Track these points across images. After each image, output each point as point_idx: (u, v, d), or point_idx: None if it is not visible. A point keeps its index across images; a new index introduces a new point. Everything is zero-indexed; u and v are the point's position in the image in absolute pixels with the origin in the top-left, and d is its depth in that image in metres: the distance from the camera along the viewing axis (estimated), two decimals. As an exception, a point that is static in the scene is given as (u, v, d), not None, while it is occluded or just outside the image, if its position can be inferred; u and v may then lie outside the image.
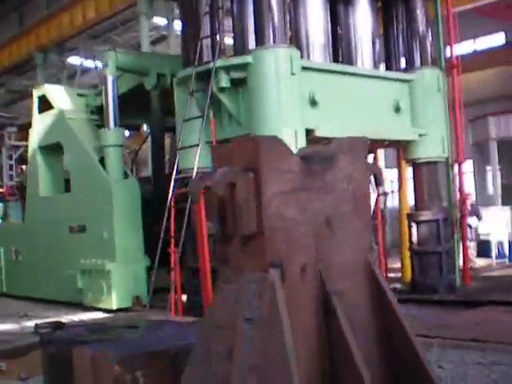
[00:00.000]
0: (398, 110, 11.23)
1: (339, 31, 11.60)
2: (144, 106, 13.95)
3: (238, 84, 9.94)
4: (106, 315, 11.93)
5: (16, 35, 31.39)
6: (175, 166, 10.27)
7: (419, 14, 11.78)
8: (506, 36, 25.43)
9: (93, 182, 12.89)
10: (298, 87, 9.65)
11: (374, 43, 11.50)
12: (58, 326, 7.51)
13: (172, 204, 10.49)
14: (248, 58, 9.73)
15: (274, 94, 9.51)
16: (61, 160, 15.02)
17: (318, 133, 9.77)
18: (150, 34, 26.43)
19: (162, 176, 13.62)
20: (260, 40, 9.81)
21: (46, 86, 15.06)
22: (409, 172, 12.94)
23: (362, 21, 11.41)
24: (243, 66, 9.78)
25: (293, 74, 9.55)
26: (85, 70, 33.52)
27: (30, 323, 11.61)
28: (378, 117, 10.97)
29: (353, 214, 4.15)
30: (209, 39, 10.43)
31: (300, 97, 9.67)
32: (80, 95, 14.51)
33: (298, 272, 3.87)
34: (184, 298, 11.26)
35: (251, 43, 10.36)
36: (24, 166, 28.50)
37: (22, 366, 7.52)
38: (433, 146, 11.54)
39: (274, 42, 9.69)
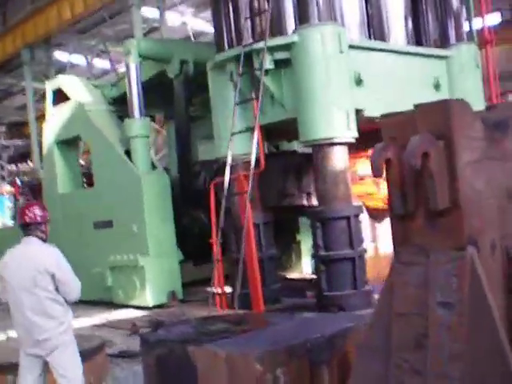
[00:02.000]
0: (438, 87, 10.91)
1: (370, 10, 11.21)
2: (164, 95, 13.47)
3: (280, 65, 9.54)
4: (144, 313, 11.51)
5: (0, 33, 30.63)
6: (229, 153, 9.74)
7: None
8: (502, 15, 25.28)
9: (119, 175, 12.43)
10: (346, 66, 9.30)
11: (406, 20, 11.14)
12: (158, 324, 7.08)
13: (212, 193, 10.08)
14: (294, 37, 9.33)
15: (323, 73, 9.12)
16: (77, 154, 14.56)
17: (367, 113, 9.44)
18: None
19: (189, 166, 13.16)
20: (303, 18, 9.38)
21: (60, 77, 14.56)
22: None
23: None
24: (288, 46, 9.39)
25: (341, 52, 9.19)
26: (72, 66, 32.84)
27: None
28: (420, 95, 10.55)
29: (526, 184, 3.84)
30: (248, 20, 10.03)
31: (348, 76, 9.31)
32: (95, 86, 14.04)
33: (488, 248, 3.54)
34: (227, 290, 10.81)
35: (289, 24, 9.90)
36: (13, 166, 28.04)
37: (89, 371, 7.06)
38: (473, 124, 11.19)
39: (319, 20, 9.30)
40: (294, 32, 9.52)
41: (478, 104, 11.21)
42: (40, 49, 29.21)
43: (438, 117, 3.40)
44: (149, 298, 11.83)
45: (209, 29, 28.32)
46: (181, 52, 12.56)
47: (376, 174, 3.47)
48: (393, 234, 3.73)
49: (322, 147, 9.14)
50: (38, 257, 5.20)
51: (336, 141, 9.09)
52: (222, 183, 10.04)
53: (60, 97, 13.83)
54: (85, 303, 12.97)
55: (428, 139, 3.34)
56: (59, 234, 14.00)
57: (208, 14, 28.68)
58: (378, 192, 10.51)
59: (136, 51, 12.27)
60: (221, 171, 12.94)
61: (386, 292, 3.75)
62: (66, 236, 13.84)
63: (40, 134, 29.02)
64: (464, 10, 11.55)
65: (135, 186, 12.06)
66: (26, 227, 5.32)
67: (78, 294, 5.36)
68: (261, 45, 9.44)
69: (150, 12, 26.92)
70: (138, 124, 12.28)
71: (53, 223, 14.22)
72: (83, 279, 12.88)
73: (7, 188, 17.98)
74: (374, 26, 11.08)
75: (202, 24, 29.00)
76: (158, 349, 4.74)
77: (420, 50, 11.07)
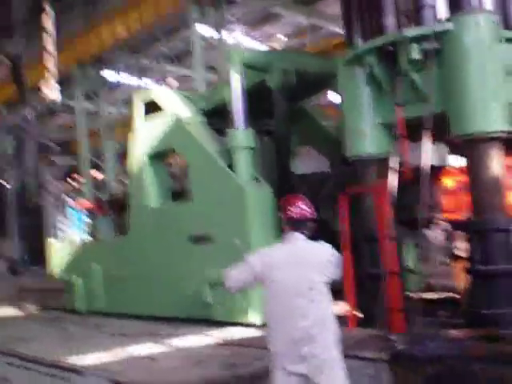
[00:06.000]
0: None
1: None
2: (257, 107, 13.02)
3: (426, 56, 9.06)
4: (251, 330, 10.99)
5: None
6: (394, 159, 9.18)
7: None
8: None
9: (221, 188, 11.93)
10: (501, 56, 8.83)
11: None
12: (417, 340, 6.50)
13: (345, 203, 9.62)
14: (448, 25, 8.88)
15: (478, 64, 8.68)
16: (167, 168, 14.18)
17: None
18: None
19: (288, 180, 12.72)
20: (456, 6, 8.99)
21: (152, 89, 14.19)
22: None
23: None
24: (439, 35, 8.91)
25: (500, 41, 8.80)
26: (117, 85, 32.62)
27: (175, 342, 10.69)
28: None
29: None
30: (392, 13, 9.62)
31: (502, 67, 8.85)
32: (187, 98, 13.66)
33: None
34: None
35: (429, 15, 9.37)
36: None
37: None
38: None
39: (470, 7, 8.88)
40: (447, 20, 9.09)
41: None
42: (91, 67, 29.05)
43: None
44: (256, 315, 11.30)
45: (259, 47, 28.14)
46: (283, 61, 12.22)
47: None
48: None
49: (476, 143, 8.69)
50: (317, 255, 4.64)
51: (493, 135, 8.64)
52: (355, 194, 9.62)
53: (151, 108, 13.46)
54: (180, 321, 12.57)
55: None
56: (147, 249, 13.65)
57: (257, 32, 28.67)
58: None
59: (240, 61, 11.92)
60: (318, 185, 12.60)
61: None
62: (155, 251, 13.44)
63: (90, 152, 28.99)
64: None
65: (239, 198, 11.58)
66: (297, 223, 4.75)
67: None
68: (414, 32, 9.02)
69: (205, 30, 26.63)
70: (242, 134, 11.90)
71: (139, 238, 13.96)
72: (177, 296, 12.61)
73: (86, 203, 17.65)
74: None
75: (252, 43, 28.87)
76: (431, 366, 4.17)
77: None
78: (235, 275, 4.89)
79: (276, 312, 4.59)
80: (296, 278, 4.52)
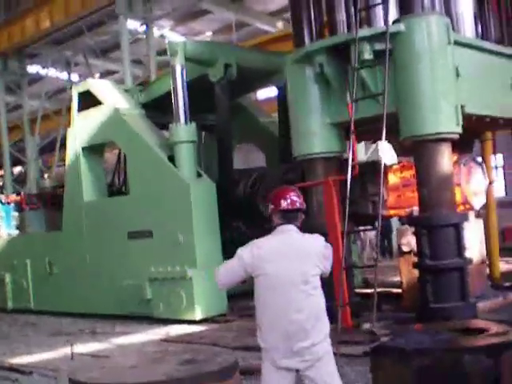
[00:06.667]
0: (512, 87, 10.51)
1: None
2: (196, 102, 12.88)
3: (377, 56, 9.04)
4: (202, 327, 10.84)
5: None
6: (350, 154, 9.00)
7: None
8: None
9: (162, 183, 11.77)
10: (451, 58, 8.89)
11: (474, 19, 10.73)
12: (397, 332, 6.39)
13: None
14: (399, 27, 8.88)
15: (429, 65, 8.75)
16: (103, 161, 13.86)
17: (468, 109, 8.99)
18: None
19: (229, 175, 12.63)
20: (407, 8, 9.04)
21: (89, 81, 13.83)
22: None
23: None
24: (391, 36, 8.86)
25: (449, 43, 8.83)
26: (40, 78, 31.77)
27: (118, 340, 10.46)
28: (502, 94, 10.17)
29: None
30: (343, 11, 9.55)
31: (452, 69, 8.90)
32: (126, 91, 13.39)
33: None
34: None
35: (379, 15, 9.32)
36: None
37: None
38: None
39: (422, 10, 8.97)
40: (397, 21, 9.07)
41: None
42: (13, 59, 28.10)
43: None
44: (197, 311, 11.17)
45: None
46: (225, 55, 12.12)
47: None
48: None
49: (426, 143, 8.76)
50: (311, 247, 4.49)
51: (443, 136, 8.74)
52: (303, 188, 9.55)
53: (88, 101, 13.11)
54: (118, 317, 12.30)
55: None
56: (83, 245, 13.32)
57: (184, 28, 28.40)
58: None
59: (182, 53, 11.71)
60: (259, 180, 12.49)
61: None
62: (91, 247, 13.13)
63: (12, 146, 28.11)
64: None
65: (182, 194, 11.43)
66: (290, 214, 4.57)
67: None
68: (365, 33, 8.96)
69: (131, 24, 26.17)
70: (183, 129, 11.71)
71: (74, 234, 13.61)
72: (115, 293, 12.33)
73: (14, 197, 17.08)
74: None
75: (178, 38, 28.53)
76: (418, 359, 4.12)
77: (508, 50, 10.55)
78: (224, 269, 4.66)
79: (269, 306, 4.42)
80: (290, 271, 4.36)
